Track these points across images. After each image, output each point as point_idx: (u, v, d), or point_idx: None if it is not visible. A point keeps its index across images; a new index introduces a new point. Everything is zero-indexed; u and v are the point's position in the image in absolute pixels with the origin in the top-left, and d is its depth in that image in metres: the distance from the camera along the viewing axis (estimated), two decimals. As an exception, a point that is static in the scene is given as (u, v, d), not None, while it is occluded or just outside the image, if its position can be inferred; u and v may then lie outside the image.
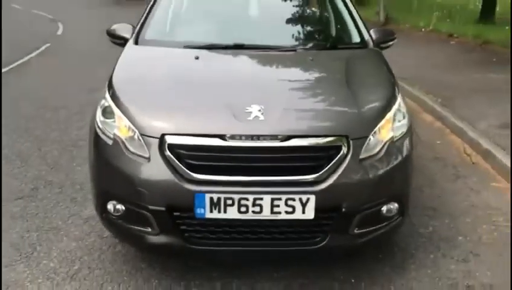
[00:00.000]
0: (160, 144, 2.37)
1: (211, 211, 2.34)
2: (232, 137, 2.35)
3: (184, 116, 2.49)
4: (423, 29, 12.05)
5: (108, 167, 2.51)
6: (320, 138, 2.40)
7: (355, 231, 2.49)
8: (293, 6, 3.85)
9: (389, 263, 2.88)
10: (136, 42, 3.30)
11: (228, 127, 2.37)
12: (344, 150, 2.38)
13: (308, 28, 3.69)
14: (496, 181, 4.04)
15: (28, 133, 4.95)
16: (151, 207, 2.39)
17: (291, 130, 2.39)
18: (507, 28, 9.61)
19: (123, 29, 3.54)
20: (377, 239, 2.63)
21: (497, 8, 12.93)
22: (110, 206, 2.55)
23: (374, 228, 2.55)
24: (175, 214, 2.39)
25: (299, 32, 3.61)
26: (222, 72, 3.01)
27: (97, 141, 2.59)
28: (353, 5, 3.69)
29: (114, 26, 3.59)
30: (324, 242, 2.45)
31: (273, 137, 2.36)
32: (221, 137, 2.35)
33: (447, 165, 4.36)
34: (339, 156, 2.37)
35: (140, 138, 2.42)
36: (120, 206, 2.53)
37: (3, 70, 7.97)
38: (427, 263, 2.90)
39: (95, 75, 7.62)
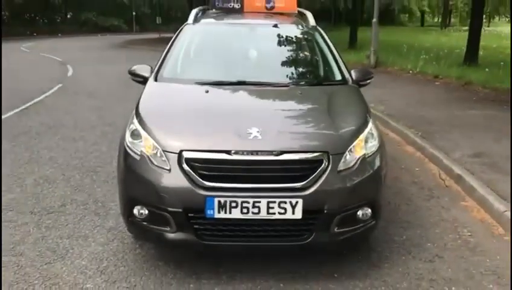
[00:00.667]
0: (178, 158, 2.98)
1: (219, 212, 2.92)
2: (236, 152, 2.95)
3: (197, 136, 3.12)
4: (411, 72, 12.86)
5: (136, 178, 3.10)
6: (306, 153, 3.02)
7: (336, 230, 3.06)
8: (286, 50, 4.55)
9: (366, 263, 3.42)
10: (156, 79, 3.96)
11: (233, 144, 2.98)
12: (325, 163, 2.99)
13: (299, 68, 4.37)
14: (465, 201, 4.61)
15: (52, 161, 5.54)
16: (170, 209, 2.97)
17: (283, 147, 3.00)
18: (487, 70, 10.40)
19: (142, 69, 4.20)
20: (355, 238, 3.19)
21: (481, 52, 13.81)
22: (135, 210, 3.13)
23: (351, 228, 3.12)
24: (189, 214, 2.97)
25: (291, 72, 4.30)
26: (227, 103, 3.66)
27: (126, 157, 3.19)
28: (336, 50, 4.38)
29: (134, 67, 4.24)
30: (310, 239, 3.02)
31: (269, 152, 2.97)
32: (227, 152, 2.95)
33: (423, 187, 4.95)
34: (321, 168, 2.98)
35: (162, 154, 3.03)
36: (144, 211, 3.11)
37: (22, 107, 8.69)
38: (399, 263, 3.44)
39: (107, 111, 8.34)
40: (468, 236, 3.89)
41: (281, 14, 4.99)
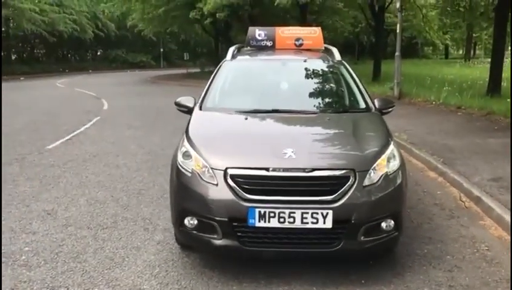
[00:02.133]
0: (224, 174, 3.46)
1: (259, 221, 3.37)
2: (274, 169, 3.42)
3: (240, 156, 3.61)
4: (434, 103, 13.23)
5: (187, 192, 3.58)
6: (334, 171, 3.47)
7: (362, 239, 3.46)
8: (314, 81, 5.05)
9: (391, 272, 3.78)
10: (200, 108, 4.50)
11: (271, 163, 3.45)
12: (352, 179, 3.42)
13: (326, 98, 4.86)
14: (483, 220, 4.94)
15: (100, 185, 6.09)
16: (217, 218, 3.43)
17: (315, 165, 3.46)
18: (509, 100, 10.69)
19: (187, 100, 4.74)
20: (379, 247, 3.58)
21: (504, 83, 14.09)
22: (186, 221, 3.60)
23: (376, 237, 3.52)
24: (234, 223, 3.42)
25: (318, 101, 4.80)
26: (264, 128, 4.18)
27: (179, 175, 3.69)
28: (360, 81, 4.86)
29: (179, 99, 4.80)
30: (339, 246, 3.42)
31: (302, 169, 3.43)
32: (266, 169, 3.42)
33: (444, 208, 5.29)
34: (348, 183, 3.41)
35: (210, 171, 3.52)
36: (193, 221, 3.58)
37: (66, 138, 9.37)
38: (420, 272, 3.80)
39: (144, 140, 8.93)
40: (486, 250, 4.22)
41: (309, 50, 5.51)
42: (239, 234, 3.45)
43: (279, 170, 3.43)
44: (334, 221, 3.35)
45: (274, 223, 3.37)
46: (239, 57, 5.32)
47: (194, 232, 3.61)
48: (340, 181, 3.43)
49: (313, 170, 3.43)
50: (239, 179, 3.44)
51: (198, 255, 3.97)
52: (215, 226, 3.47)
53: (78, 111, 13.79)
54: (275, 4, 21.18)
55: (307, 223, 3.36)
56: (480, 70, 24.70)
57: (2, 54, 34.12)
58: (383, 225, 3.54)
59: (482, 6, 17.03)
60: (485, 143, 8.09)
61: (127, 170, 6.81)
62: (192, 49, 56.24)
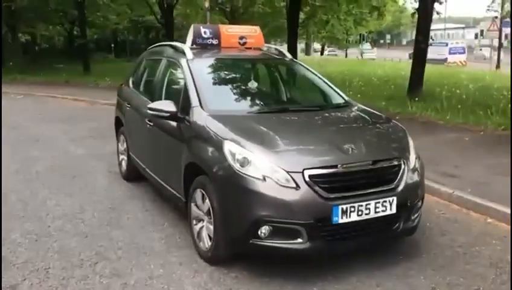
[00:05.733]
0: (303, 176, 3.39)
1: (342, 218, 3.43)
2: (343, 166, 3.51)
3: (310, 156, 3.59)
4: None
5: (262, 199, 3.37)
6: (392, 160, 3.75)
7: (412, 218, 3.85)
8: (294, 79, 5.27)
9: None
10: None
11: (341, 159, 3.53)
12: (403, 166, 3.77)
13: (315, 95, 5.07)
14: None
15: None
16: (303, 221, 3.36)
17: (375, 157, 3.68)
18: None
19: (165, 104, 4.33)
20: (418, 223, 4.01)
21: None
22: (261, 230, 3.40)
23: (417, 215, 3.95)
24: (319, 224, 3.41)
25: (312, 98, 5.10)
26: (298, 126, 4.16)
27: (243, 183, 3.43)
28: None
29: (154, 104, 4.38)
30: (401, 227, 3.74)
31: (367, 163, 3.61)
32: (336, 166, 3.49)
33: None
34: (402, 169, 3.74)
35: (286, 174, 3.39)
36: (269, 229, 3.41)
37: None
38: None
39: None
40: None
41: (259, 49, 5.54)
42: (323, 234, 3.45)
43: (349, 165, 3.54)
44: (398, 206, 3.64)
45: (354, 217, 3.48)
46: (203, 55, 5.03)
47: (269, 241, 3.44)
48: (396, 169, 3.74)
49: (375, 162, 3.65)
50: (317, 179, 3.43)
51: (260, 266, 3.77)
52: (299, 231, 3.39)
53: None
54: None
55: (379, 211, 3.57)
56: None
57: None
58: (419, 204, 3.99)
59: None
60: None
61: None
62: None
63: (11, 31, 27.70)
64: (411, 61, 13.31)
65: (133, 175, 5.91)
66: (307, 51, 52.90)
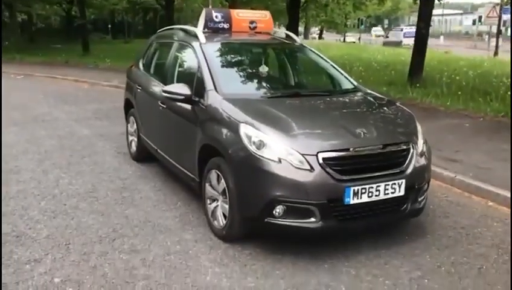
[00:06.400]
0: (317, 159, 3.53)
1: (353, 199, 3.58)
2: (355, 149, 3.65)
3: (323, 139, 3.73)
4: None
5: (278, 180, 3.51)
6: (401, 144, 3.89)
7: (419, 199, 4.01)
8: (306, 65, 5.39)
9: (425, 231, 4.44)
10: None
11: (353, 143, 3.67)
12: (412, 150, 3.91)
13: (325, 79, 5.19)
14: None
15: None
16: (316, 202, 3.51)
17: (386, 141, 3.82)
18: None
19: (179, 88, 4.44)
20: (424, 205, 4.17)
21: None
22: (276, 210, 3.55)
23: (423, 197, 4.11)
24: (331, 204, 3.56)
25: (322, 83, 5.27)
26: (313, 110, 4.28)
27: (259, 164, 3.56)
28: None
29: (169, 86, 4.50)
30: (408, 209, 3.90)
31: (378, 146, 3.75)
32: (348, 150, 3.64)
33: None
34: (410, 153, 3.89)
35: (300, 156, 3.53)
36: (283, 209, 3.56)
37: None
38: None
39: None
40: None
41: (268, 33, 5.63)
42: (335, 214, 3.60)
43: (361, 149, 3.68)
44: (406, 188, 3.79)
45: (364, 198, 3.63)
46: (215, 39, 5.12)
47: (284, 220, 3.59)
48: (405, 153, 3.88)
49: (386, 145, 3.79)
50: (330, 162, 3.57)
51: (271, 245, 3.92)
52: (312, 210, 3.54)
53: None
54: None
55: (388, 193, 3.72)
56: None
57: None
58: (425, 187, 4.14)
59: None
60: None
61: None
62: None
63: (8, 10, 27.50)
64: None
65: (142, 156, 6.03)
66: (306, 35, 52.70)
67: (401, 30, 45.31)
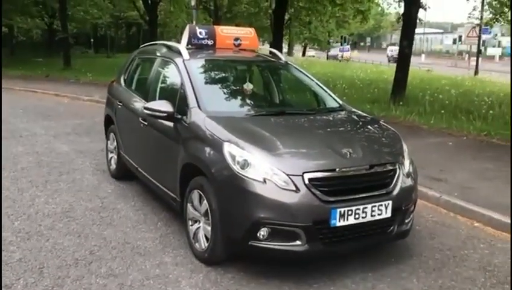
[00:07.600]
0: (302, 179, 3.43)
1: (339, 221, 3.48)
2: (342, 169, 3.56)
3: (309, 159, 3.62)
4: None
5: (262, 202, 3.40)
6: (387, 165, 3.82)
7: (406, 221, 3.92)
8: (290, 83, 5.32)
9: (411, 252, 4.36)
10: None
11: (339, 163, 3.58)
12: (398, 171, 3.84)
13: (310, 97, 5.11)
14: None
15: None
16: (302, 224, 3.40)
17: (372, 162, 3.74)
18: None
19: (160, 104, 4.32)
20: (411, 226, 4.08)
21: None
22: (260, 232, 3.43)
23: (410, 219, 4.03)
24: (317, 227, 3.45)
25: (307, 101, 5.18)
26: (300, 129, 4.19)
27: (243, 185, 3.44)
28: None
29: (150, 103, 4.38)
30: (395, 231, 3.81)
31: (364, 167, 3.67)
32: (334, 170, 3.54)
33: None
34: (397, 174, 3.81)
35: (285, 177, 3.43)
36: (267, 231, 3.43)
37: None
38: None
39: None
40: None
41: (252, 51, 5.56)
42: (320, 236, 3.49)
43: (347, 169, 3.60)
44: (393, 209, 3.71)
45: (351, 220, 3.53)
46: (198, 56, 5.02)
47: (267, 243, 3.47)
48: (392, 174, 3.80)
49: (372, 166, 3.71)
50: (316, 182, 3.47)
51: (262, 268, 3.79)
52: (297, 233, 3.43)
53: None
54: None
55: (375, 215, 3.63)
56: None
57: None
58: (412, 208, 4.07)
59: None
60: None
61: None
62: None
63: (-12, 23, 27.11)
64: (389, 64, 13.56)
65: (122, 173, 5.87)
66: (289, 52, 53.05)
67: (340, 46, 54.12)
